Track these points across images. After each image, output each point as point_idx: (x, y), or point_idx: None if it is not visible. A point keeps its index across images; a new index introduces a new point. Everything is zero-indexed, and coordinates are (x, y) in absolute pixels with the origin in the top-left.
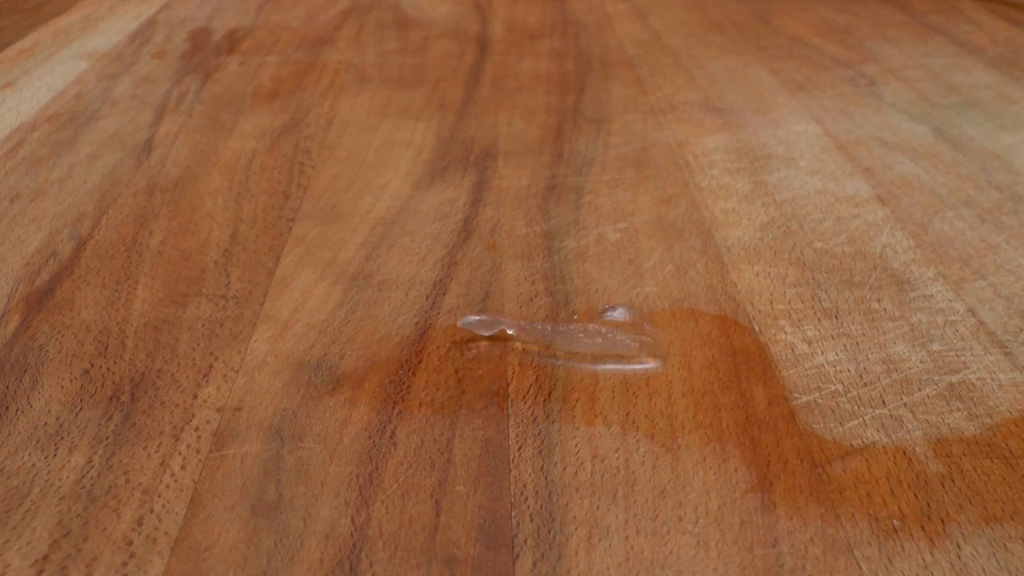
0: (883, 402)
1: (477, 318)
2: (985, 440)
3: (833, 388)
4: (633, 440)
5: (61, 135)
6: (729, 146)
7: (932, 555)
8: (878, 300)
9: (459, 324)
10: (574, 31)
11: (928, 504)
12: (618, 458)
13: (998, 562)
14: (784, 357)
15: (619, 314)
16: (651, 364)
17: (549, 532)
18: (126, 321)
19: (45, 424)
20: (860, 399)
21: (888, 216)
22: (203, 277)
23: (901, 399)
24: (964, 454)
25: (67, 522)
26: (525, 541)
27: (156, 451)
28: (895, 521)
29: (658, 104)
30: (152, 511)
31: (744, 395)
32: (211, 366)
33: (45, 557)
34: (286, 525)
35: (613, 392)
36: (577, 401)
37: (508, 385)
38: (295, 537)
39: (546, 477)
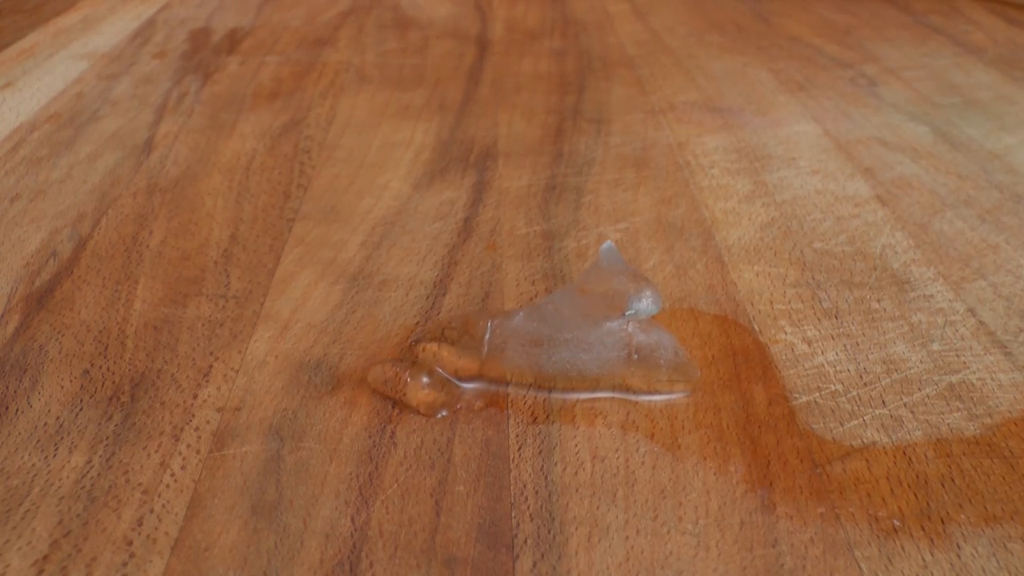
0: (883, 402)
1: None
2: (985, 440)
3: (833, 388)
4: (633, 440)
5: (61, 135)
6: (729, 146)
7: (932, 555)
8: (878, 300)
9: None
10: (574, 31)
11: (928, 504)
12: (618, 458)
13: (998, 562)
14: (784, 357)
15: (610, 257)
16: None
17: (549, 532)
18: (126, 321)
19: (45, 424)
20: (860, 399)
21: (888, 216)
22: (203, 277)
23: (901, 399)
24: (964, 454)
25: (67, 522)
26: (525, 541)
27: (156, 451)
28: (895, 521)
29: (658, 104)
30: (152, 511)
31: (744, 395)
32: (211, 366)
33: (45, 557)
34: (286, 525)
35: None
36: (577, 401)
37: (508, 385)
38: (295, 537)
39: (546, 477)
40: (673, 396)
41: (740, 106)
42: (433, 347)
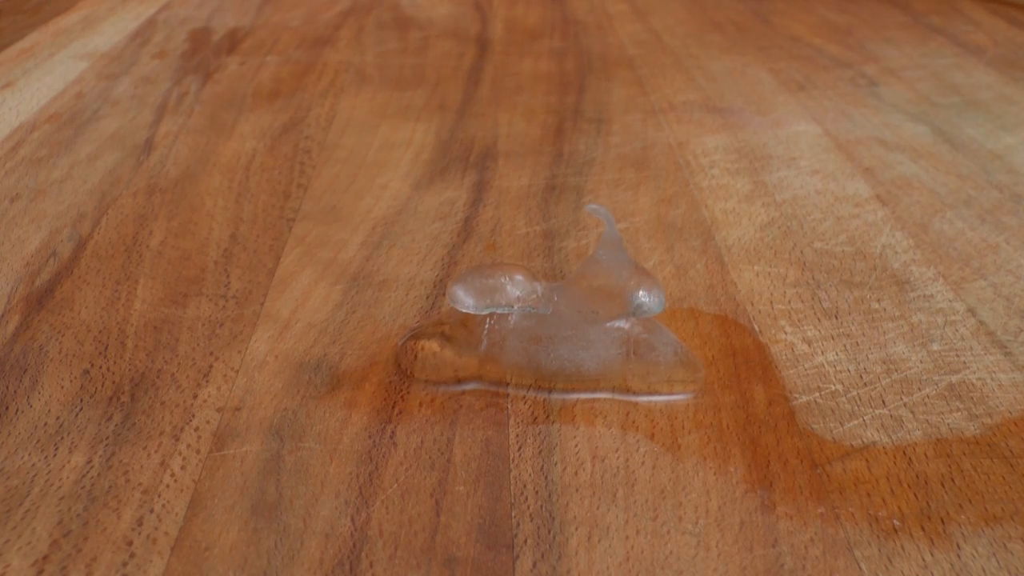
0: (883, 402)
1: (472, 301)
2: (985, 440)
3: (833, 388)
4: (633, 440)
5: (61, 135)
6: (729, 146)
7: (932, 555)
8: (878, 300)
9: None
10: (574, 31)
11: (928, 504)
12: (618, 458)
13: (998, 562)
14: (784, 357)
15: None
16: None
17: (549, 532)
18: (126, 321)
19: (45, 424)
20: (860, 399)
21: (888, 216)
22: (203, 277)
23: (901, 399)
24: (964, 454)
25: (67, 522)
26: (525, 541)
27: (156, 451)
28: (895, 521)
29: (658, 104)
30: (152, 511)
31: (744, 395)
32: (211, 366)
33: (45, 557)
34: (286, 525)
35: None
36: (577, 401)
37: (508, 385)
38: (295, 537)
39: (546, 477)
40: (677, 397)
41: (740, 106)
42: (432, 344)
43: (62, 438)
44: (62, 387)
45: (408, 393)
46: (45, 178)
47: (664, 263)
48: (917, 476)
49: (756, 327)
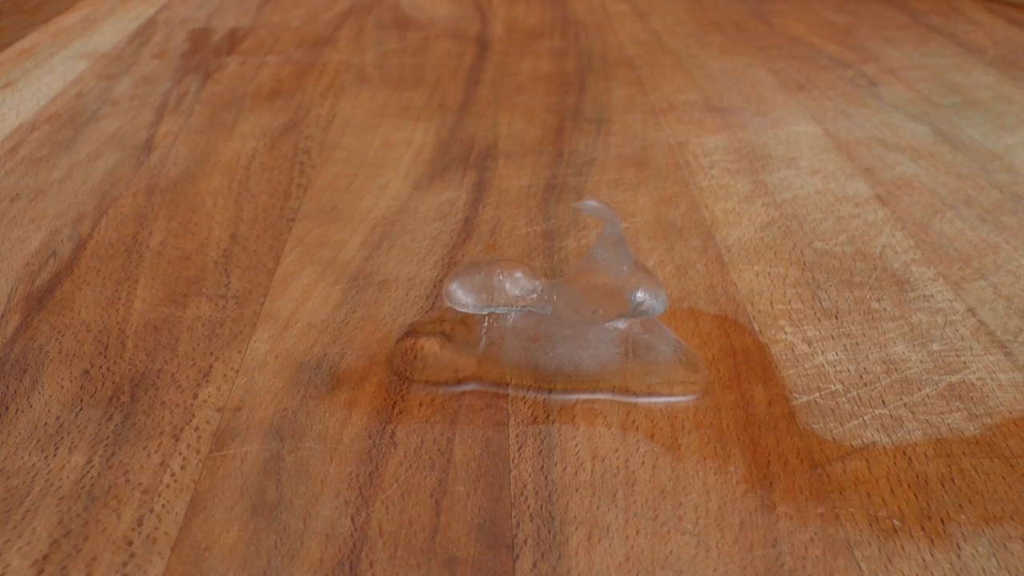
0: (883, 402)
1: (471, 299)
2: (985, 440)
3: (833, 388)
4: (633, 440)
5: (61, 135)
6: (729, 146)
7: (932, 555)
8: (878, 300)
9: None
10: (574, 31)
11: (928, 504)
12: (618, 458)
13: (998, 562)
14: (784, 357)
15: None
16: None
17: (549, 532)
18: (126, 321)
19: (45, 424)
20: (860, 399)
21: (888, 216)
22: (203, 277)
23: (901, 399)
24: (964, 454)
25: (67, 522)
26: (525, 541)
27: (156, 451)
28: (895, 521)
29: (658, 104)
30: (152, 511)
31: (744, 395)
32: (211, 366)
33: (45, 557)
34: (286, 525)
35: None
36: (577, 401)
37: (508, 385)
38: (295, 537)
39: (546, 477)
40: (678, 399)
41: (740, 106)
42: (431, 344)
43: (62, 438)
44: (62, 387)
45: (408, 393)
46: (45, 178)
47: (664, 263)
48: (917, 476)
49: (756, 327)
